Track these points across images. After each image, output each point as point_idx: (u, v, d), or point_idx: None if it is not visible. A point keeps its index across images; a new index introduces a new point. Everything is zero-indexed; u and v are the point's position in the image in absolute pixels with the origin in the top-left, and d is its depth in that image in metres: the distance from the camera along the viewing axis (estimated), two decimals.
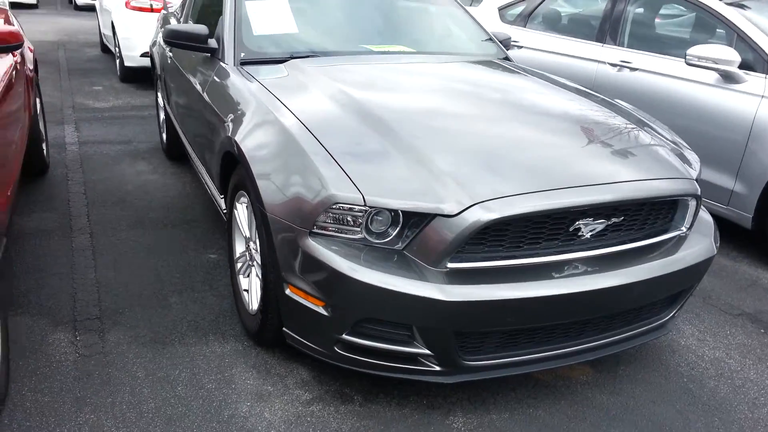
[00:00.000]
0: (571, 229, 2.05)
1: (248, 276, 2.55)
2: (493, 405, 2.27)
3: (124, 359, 2.39)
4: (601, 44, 4.46)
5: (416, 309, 1.91)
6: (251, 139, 2.35)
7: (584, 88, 3.14)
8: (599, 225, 2.08)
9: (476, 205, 1.89)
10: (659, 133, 2.64)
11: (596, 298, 2.05)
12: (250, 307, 2.47)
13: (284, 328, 2.24)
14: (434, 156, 2.07)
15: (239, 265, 2.63)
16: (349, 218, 1.98)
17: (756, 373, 2.56)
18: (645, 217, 2.22)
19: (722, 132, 3.60)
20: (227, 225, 2.74)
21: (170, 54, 4.08)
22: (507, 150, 2.17)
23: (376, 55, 3.14)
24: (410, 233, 1.98)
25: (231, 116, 2.62)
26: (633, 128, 2.56)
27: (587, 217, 2.05)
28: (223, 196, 2.87)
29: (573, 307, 2.03)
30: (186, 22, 4.15)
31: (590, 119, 2.56)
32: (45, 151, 4.33)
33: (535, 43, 5.01)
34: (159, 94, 4.89)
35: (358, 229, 1.99)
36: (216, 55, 3.14)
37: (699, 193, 2.25)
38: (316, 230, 2.01)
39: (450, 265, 1.94)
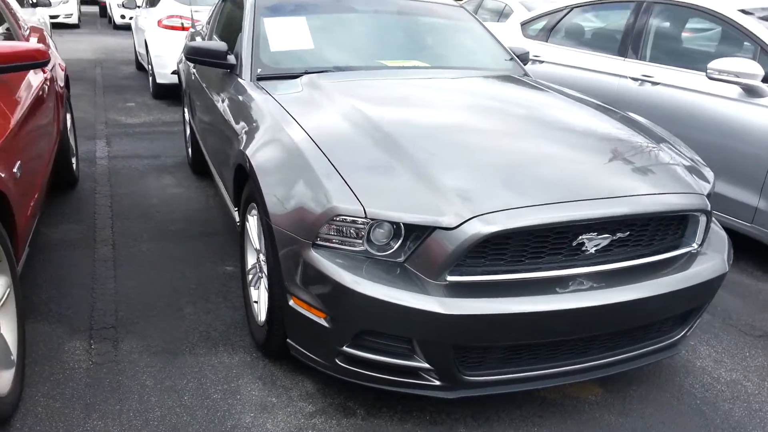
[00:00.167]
0: (574, 243, 2.03)
1: (258, 288, 2.58)
2: (497, 422, 2.24)
3: (134, 368, 2.44)
4: (623, 58, 4.42)
5: (415, 322, 1.91)
6: (260, 152, 2.40)
7: (597, 102, 3.11)
8: (604, 240, 2.06)
9: (475, 218, 1.89)
10: (671, 148, 2.60)
11: (601, 315, 2.02)
12: (259, 319, 2.51)
13: (288, 340, 2.26)
14: (438, 170, 2.08)
15: (250, 276, 2.67)
16: (351, 230, 2.00)
17: None
18: (653, 233, 2.18)
19: (746, 147, 3.53)
20: (240, 237, 2.79)
21: (194, 71, 4.19)
22: (511, 164, 2.16)
23: (391, 70, 3.17)
24: (411, 246, 1.99)
25: (244, 130, 2.68)
26: (643, 142, 2.53)
27: (591, 232, 2.03)
28: (236, 208, 2.92)
29: (576, 323, 2.00)
30: (211, 39, 4.26)
31: (600, 133, 2.54)
32: (75, 165, 4.48)
33: (556, 58, 4.99)
34: (185, 110, 5.01)
35: (360, 241, 2.00)
36: (234, 71, 3.22)
37: (709, 208, 2.20)
38: (319, 242, 2.03)
39: (450, 278, 1.94)
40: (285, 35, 3.28)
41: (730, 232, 3.95)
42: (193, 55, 3.17)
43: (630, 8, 4.49)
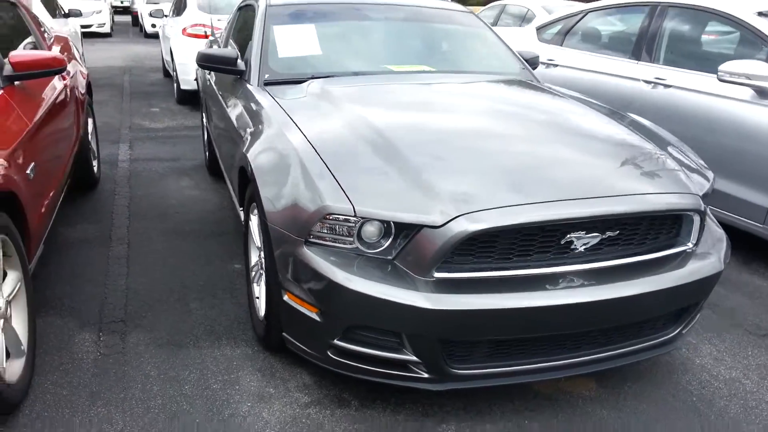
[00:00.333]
0: (562, 242, 2.06)
1: (259, 284, 2.66)
2: (489, 415, 2.28)
3: (140, 359, 2.53)
4: (636, 61, 4.41)
5: (402, 317, 1.96)
6: (260, 154, 2.48)
7: (600, 104, 3.13)
8: (593, 239, 2.08)
9: (461, 217, 1.93)
10: (670, 149, 2.60)
11: (589, 311, 2.04)
12: (260, 313, 2.58)
13: (284, 333, 2.33)
14: (430, 171, 2.12)
15: (253, 273, 2.75)
16: (343, 228, 2.06)
17: None
18: (645, 232, 2.19)
19: (757, 148, 3.49)
20: (244, 236, 2.87)
21: (209, 77, 4.31)
22: (502, 165, 2.20)
23: (396, 75, 3.23)
24: (401, 244, 2.03)
25: (247, 133, 2.77)
26: (639, 143, 2.54)
27: (579, 231, 2.05)
28: (242, 208, 3.01)
29: (563, 320, 2.02)
30: (226, 46, 4.38)
31: (596, 134, 2.56)
32: (96, 168, 4.63)
33: (570, 61, 4.99)
34: (203, 114, 5.15)
35: (351, 239, 2.06)
36: (243, 76, 3.32)
37: (702, 208, 2.21)
38: (312, 240, 2.10)
39: (437, 274, 1.99)
40: (293, 42, 3.36)
41: (742, 233, 3.91)
42: (204, 61, 3.28)
43: (644, 12, 4.48)
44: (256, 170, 2.42)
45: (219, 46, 4.61)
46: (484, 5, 14.19)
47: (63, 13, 9.00)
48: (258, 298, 2.67)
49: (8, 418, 2.17)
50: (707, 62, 3.96)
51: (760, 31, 3.66)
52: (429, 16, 3.71)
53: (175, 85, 8.11)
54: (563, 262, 2.09)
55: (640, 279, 2.12)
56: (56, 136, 3.22)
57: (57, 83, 3.55)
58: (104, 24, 17.00)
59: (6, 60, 2.78)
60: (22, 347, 2.30)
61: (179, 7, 8.67)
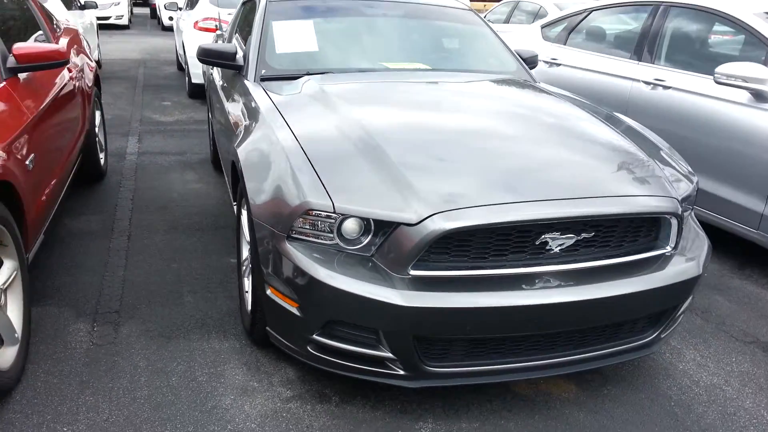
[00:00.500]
0: (537, 242, 2.08)
1: (249, 278, 2.71)
2: (465, 414, 2.31)
3: (130, 350, 2.60)
4: (637, 62, 4.39)
5: (377, 313, 2.00)
6: (248, 149, 2.54)
7: (592, 105, 3.13)
8: (568, 240, 2.10)
9: (436, 215, 1.97)
10: (655, 152, 2.61)
11: (563, 312, 2.06)
12: (247, 308, 2.64)
13: (267, 328, 2.38)
14: (410, 170, 2.16)
15: (243, 267, 2.81)
16: (323, 224, 2.10)
17: (752, 402, 2.47)
18: (622, 234, 2.21)
19: (753, 152, 3.48)
20: (236, 230, 2.93)
21: (212, 72, 4.37)
22: (483, 164, 2.23)
23: (391, 72, 3.26)
24: (379, 241, 2.08)
25: (239, 128, 2.82)
26: (622, 144, 2.55)
27: (554, 232, 2.08)
28: (236, 203, 3.07)
29: (536, 319, 2.05)
30: (230, 41, 4.44)
31: (581, 135, 2.57)
32: (103, 161, 4.72)
33: (573, 61, 4.98)
34: (209, 109, 5.22)
35: (332, 235, 2.11)
36: (241, 71, 3.37)
37: (679, 211, 2.22)
38: (294, 235, 2.15)
39: (413, 272, 2.03)
40: (292, 38, 3.41)
41: (737, 238, 3.89)
42: (203, 56, 3.34)
43: (647, 11, 4.46)
44: (244, 164, 2.47)
45: (224, 41, 4.67)
46: (498, 1, 14.13)
47: (79, 4, 9.12)
48: (247, 292, 2.73)
49: (1, 404, 2.25)
50: (706, 64, 3.94)
51: (759, 32, 3.64)
52: (428, 13, 3.74)
53: (186, 78, 8.20)
54: (539, 262, 2.12)
55: (616, 281, 2.14)
56: (59, 128, 3.30)
57: (63, 76, 3.62)
58: (122, 16, 17.18)
59: (10, 52, 2.85)
60: (16, 335, 2.38)
61: (192, 1, 8.76)
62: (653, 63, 4.28)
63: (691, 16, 4.16)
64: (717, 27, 4.11)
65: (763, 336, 2.95)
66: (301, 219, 2.12)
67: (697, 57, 4.05)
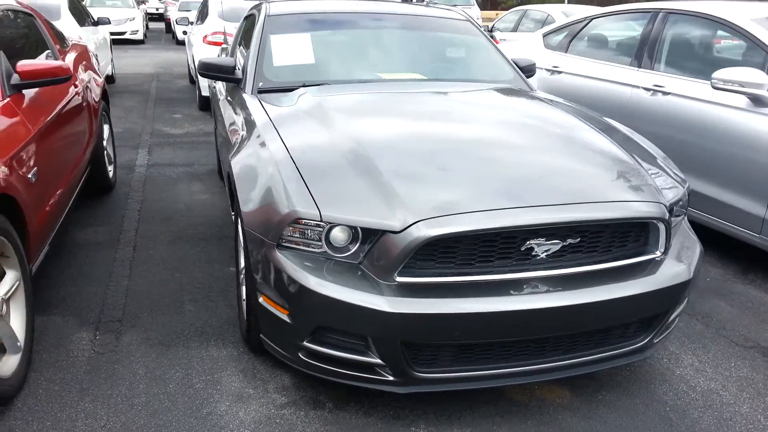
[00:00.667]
0: (523, 248, 2.10)
1: (245, 286, 2.75)
2: (458, 420, 2.33)
3: (130, 358, 2.65)
4: (637, 68, 4.40)
5: (364, 319, 2.03)
6: (241, 159, 2.60)
7: (586, 111, 3.15)
8: (554, 246, 2.12)
9: (420, 222, 2.00)
10: (646, 159, 2.62)
11: (552, 317, 2.08)
12: (244, 316, 2.68)
13: (261, 335, 2.42)
14: (396, 179, 2.19)
15: (241, 276, 2.85)
16: (312, 233, 2.14)
17: (749, 407, 2.45)
18: (609, 240, 2.22)
19: (753, 156, 3.46)
20: (234, 240, 2.98)
21: (215, 85, 4.45)
22: (469, 172, 2.25)
23: (386, 83, 3.31)
24: (366, 248, 2.11)
25: (235, 139, 2.88)
26: (612, 151, 2.56)
27: (539, 238, 2.09)
28: (234, 213, 3.12)
29: (525, 324, 2.07)
30: (233, 55, 4.52)
31: (571, 143, 2.59)
32: (111, 173, 4.81)
33: (573, 68, 5.00)
34: (215, 121, 5.30)
35: (320, 243, 2.14)
36: (240, 84, 3.43)
37: (666, 217, 2.22)
38: (283, 243, 2.19)
39: (399, 279, 2.05)
40: (289, 51, 3.47)
41: (740, 243, 3.86)
42: (203, 70, 3.42)
43: (646, 18, 4.47)
44: (237, 175, 2.52)
45: (228, 54, 4.75)
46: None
47: (92, 21, 9.31)
48: (245, 300, 2.77)
49: (2, 410, 2.30)
50: (705, 70, 3.93)
51: (758, 38, 3.63)
52: (423, 23, 3.78)
53: (197, 91, 8.32)
54: (526, 268, 2.13)
55: (605, 286, 2.15)
56: (63, 142, 3.38)
57: (68, 91, 3.71)
58: (137, 31, 17.47)
59: (14, 70, 2.94)
60: (19, 344, 2.44)
61: (203, 15, 8.90)
62: (653, 69, 4.28)
63: (690, 22, 4.16)
64: (716, 33, 4.10)
65: (764, 341, 2.93)
66: (290, 228, 2.15)
67: (696, 63, 4.05)
